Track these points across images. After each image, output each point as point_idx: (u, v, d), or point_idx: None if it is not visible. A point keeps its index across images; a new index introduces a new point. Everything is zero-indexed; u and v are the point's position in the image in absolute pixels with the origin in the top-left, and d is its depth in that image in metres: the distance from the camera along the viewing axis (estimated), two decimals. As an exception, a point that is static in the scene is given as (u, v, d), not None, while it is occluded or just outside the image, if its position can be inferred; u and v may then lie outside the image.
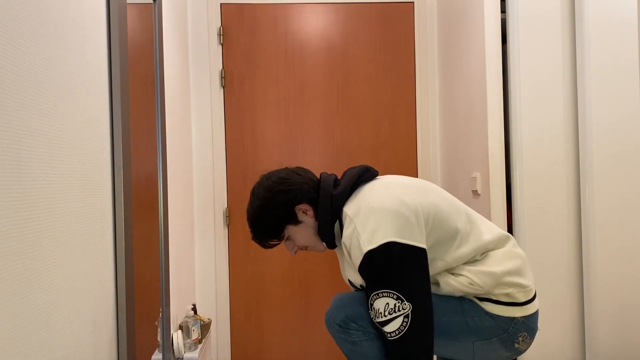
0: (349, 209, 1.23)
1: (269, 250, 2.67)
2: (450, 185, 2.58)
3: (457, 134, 2.44)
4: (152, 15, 1.61)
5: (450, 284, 1.24)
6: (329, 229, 1.28)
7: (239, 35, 2.67)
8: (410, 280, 1.15)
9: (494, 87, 2.05)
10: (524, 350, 1.28)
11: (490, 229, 1.32)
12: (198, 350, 1.98)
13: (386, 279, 1.14)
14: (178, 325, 2.02)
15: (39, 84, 0.87)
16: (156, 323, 1.59)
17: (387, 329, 1.15)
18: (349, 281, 1.33)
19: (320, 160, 2.70)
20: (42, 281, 0.87)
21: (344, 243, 1.22)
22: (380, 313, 1.15)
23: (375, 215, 1.17)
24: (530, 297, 1.28)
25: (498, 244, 1.29)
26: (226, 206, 2.66)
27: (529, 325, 1.26)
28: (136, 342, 1.29)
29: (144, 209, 1.46)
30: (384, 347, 1.24)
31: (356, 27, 2.72)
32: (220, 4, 2.66)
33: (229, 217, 2.67)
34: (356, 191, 1.28)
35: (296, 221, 1.30)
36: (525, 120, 2.01)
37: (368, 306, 1.19)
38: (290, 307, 2.67)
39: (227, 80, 2.67)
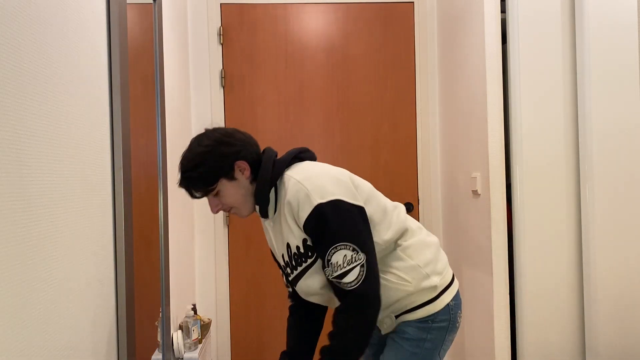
0: (294, 173, 1.30)
1: (269, 250, 2.67)
2: (450, 185, 2.58)
3: (457, 134, 2.44)
4: (152, 15, 1.61)
5: (381, 284, 1.30)
6: (267, 190, 1.31)
7: (239, 35, 2.67)
8: (362, 233, 1.24)
9: (494, 87, 2.05)
10: (459, 324, 1.40)
11: (409, 217, 1.42)
12: (198, 350, 1.98)
13: (340, 232, 1.22)
14: (178, 325, 2.02)
15: (39, 84, 0.87)
16: (156, 323, 1.59)
17: (347, 279, 1.21)
18: (287, 245, 1.33)
19: (320, 160, 2.69)
20: (42, 281, 0.87)
21: (289, 202, 1.26)
22: (340, 265, 1.21)
23: (322, 177, 1.27)
24: (450, 277, 1.39)
25: (415, 231, 1.38)
26: (226, 206, 2.66)
27: (458, 303, 1.38)
28: (136, 342, 1.29)
29: (144, 209, 1.47)
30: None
31: (356, 27, 2.72)
32: (220, 4, 2.66)
33: (229, 217, 2.67)
34: (297, 163, 1.36)
35: (231, 177, 1.31)
36: (525, 120, 2.01)
37: (325, 263, 1.24)
38: (290, 307, 2.67)
39: (227, 80, 2.67)
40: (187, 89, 2.53)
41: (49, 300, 0.89)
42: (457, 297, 1.38)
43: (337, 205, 1.22)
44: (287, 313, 1.57)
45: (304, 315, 1.51)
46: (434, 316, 1.33)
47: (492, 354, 2.06)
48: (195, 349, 1.98)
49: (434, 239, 1.42)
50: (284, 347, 2.73)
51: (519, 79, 2.01)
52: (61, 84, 0.95)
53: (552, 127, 2.02)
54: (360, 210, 1.26)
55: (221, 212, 2.62)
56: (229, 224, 2.67)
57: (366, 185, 1.36)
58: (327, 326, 1.35)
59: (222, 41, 2.66)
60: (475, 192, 2.19)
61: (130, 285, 1.25)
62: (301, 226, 1.26)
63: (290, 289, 1.47)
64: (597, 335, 1.94)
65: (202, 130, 1.36)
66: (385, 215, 1.33)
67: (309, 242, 1.28)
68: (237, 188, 1.32)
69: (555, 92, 2.02)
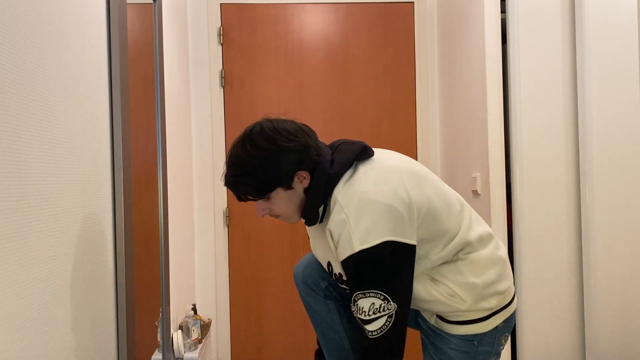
0: (340, 194, 1.13)
1: (269, 250, 2.67)
2: (450, 185, 2.57)
3: (457, 134, 2.44)
4: (152, 15, 1.61)
5: (431, 293, 1.17)
6: (316, 207, 1.17)
7: (239, 35, 2.67)
8: (399, 280, 1.09)
9: (494, 87, 2.05)
10: (504, 347, 1.27)
11: (477, 223, 1.25)
12: (198, 350, 1.98)
13: (375, 280, 1.08)
14: (178, 325, 2.02)
15: (39, 84, 0.87)
16: (156, 323, 1.59)
17: (369, 327, 1.09)
18: (329, 263, 1.23)
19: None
20: (42, 281, 0.87)
21: (329, 230, 1.12)
22: (365, 312, 1.09)
23: (369, 209, 1.08)
24: (510, 298, 1.23)
25: (481, 243, 1.21)
26: (226, 206, 2.66)
27: (508, 325, 1.24)
28: (136, 342, 1.29)
29: (144, 209, 1.46)
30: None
31: (356, 27, 2.72)
32: (220, 4, 2.66)
33: (229, 217, 2.67)
34: (350, 171, 1.17)
35: (289, 186, 1.14)
36: (525, 120, 2.01)
37: (352, 301, 1.13)
38: (290, 307, 2.67)
39: (227, 80, 2.67)
40: (187, 89, 2.53)
41: (49, 300, 0.89)
42: (509, 319, 1.23)
43: (380, 249, 1.06)
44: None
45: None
46: (480, 337, 1.19)
47: (492, 354, 2.06)
48: (195, 349, 1.98)
49: (502, 252, 1.23)
50: (283, 347, 2.73)
51: (519, 79, 2.01)
52: (61, 84, 0.95)
53: (552, 127, 2.02)
54: (407, 251, 1.09)
55: (221, 213, 2.63)
56: (228, 224, 2.67)
57: (431, 190, 1.17)
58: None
59: (222, 41, 2.66)
60: (475, 192, 2.19)
61: (130, 285, 1.25)
62: (339, 261, 1.13)
63: None
64: (597, 335, 1.94)
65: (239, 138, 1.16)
66: (443, 236, 1.16)
67: None
68: (291, 198, 1.16)
69: (555, 92, 2.02)
